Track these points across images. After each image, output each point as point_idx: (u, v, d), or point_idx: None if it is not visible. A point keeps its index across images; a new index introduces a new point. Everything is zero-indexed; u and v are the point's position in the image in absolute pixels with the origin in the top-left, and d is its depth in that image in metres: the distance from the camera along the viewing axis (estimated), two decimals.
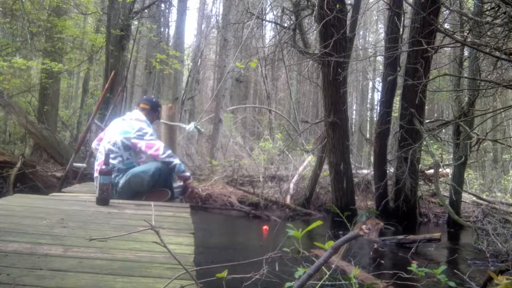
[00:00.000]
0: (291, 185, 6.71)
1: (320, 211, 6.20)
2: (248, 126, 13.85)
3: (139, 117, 3.38)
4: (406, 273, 1.92)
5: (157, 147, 3.18)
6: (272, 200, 6.16)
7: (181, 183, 3.56)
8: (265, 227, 4.48)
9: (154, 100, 3.68)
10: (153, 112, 3.54)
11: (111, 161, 3.13)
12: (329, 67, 4.86)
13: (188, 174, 3.42)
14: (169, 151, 3.25)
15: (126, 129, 3.25)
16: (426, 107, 7.15)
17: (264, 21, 9.04)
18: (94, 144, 3.69)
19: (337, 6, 4.73)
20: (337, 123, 5.29)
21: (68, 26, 9.35)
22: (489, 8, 3.82)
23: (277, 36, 6.85)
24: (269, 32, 16.65)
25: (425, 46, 4.00)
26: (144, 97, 4.16)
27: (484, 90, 4.48)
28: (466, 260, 3.64)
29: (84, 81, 12.97)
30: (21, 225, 1.87)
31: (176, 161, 3.24)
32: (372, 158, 7.03)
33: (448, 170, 6.41)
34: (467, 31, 3.89)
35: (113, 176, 3.08)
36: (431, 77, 5.16)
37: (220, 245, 3.85)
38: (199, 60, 14.29)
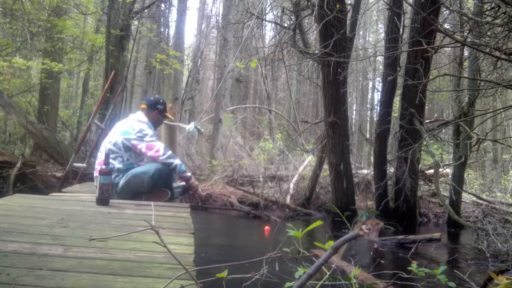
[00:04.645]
0: (291, 185, 6.71)
1: (320, 211, 6.20)
2: (248, 126, 13.85)
3: (140, 118, 3.36)
4: (406, 273, 1.92)
5: (157, 148, 3.16)
6: (272, 200, 6.16)
7: (181, 183, 3.54)
8: (266, 227, 4.48)
9: (151, 98, 3.56)
10: (151, 110, 3.41)
11: (111, 161, 3.12)
12: (329, 67, 4.86)
13: (189, 174, 3.39)
14: (169, 152, 3.23)
15: (126, 130, 3.23)
16: (426, 107, 7.15)
17: (264, 21, 9.05)
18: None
19: (337, 6, 4.74)
20: (337, 123, 5.29)
21: (68, 26, 9.34)
22: (489, 8, 3.82)
23: (277, 36, 6.85)
24: (269, 32, 16.67)
25: (425, 46, 4.00)
26: (145, 97, 4.03)
27: (484, 90, 4.49)
28: (466, 260, 3.64)
29: (84, 81, 12.96)
30: (21, 225, 1.87)
31: (177, 161, 3.22)
32: (372, 158, 7.03)
33: (448, 170, 6.41)
34: (467, 31, 3.89)
35: (113, 176, 3.08)
36: (431, 77, 5.16)
37: (220, 245, 3.85)
38: (199, 60, 14.30)
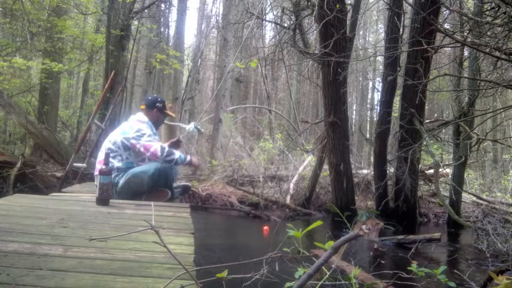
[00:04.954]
0: (291, 185, 6.71)
1: (320, 211, 6.20)
2: (248, 126, 13.84)
3: (140, 118, 3.40)
4: (406, 273, 1.91)
5: (154, 148, 3.18)
6: (272, 200, 6.16)
7: (181, 183, 3.56)
8: (265, 227, 4.49)
9: (149, 98, 3.59)
10: (150, 110, 3.44)
11: (110, 159, 3.16)
12: (329, 67, 4.86)
13: (189, 158, 3.41)
14: (166, 149, 3.24)
15: (126, 129, 3.28)
16: (426, 107, 7.14)
17: (264, 21, 9.04)
18: None
19: (337, 6, 4.73)
20: (337, 123, 5.28)
21: (68, 26, 9.33)
22: (489, 8, 3.82)
23: (277, 36, 6.85)
24: (269, 32, 16.67)
25: (425, 46, 4.00)
26: (144, 97, 4.07)
27: (484, 90, 4.48)
28: (466, 260, 3.64)
29: (84, 81, 12.96)
30: (21, 225, 1.87)
31: (176, 156, 3.25)
32: (372, 158, 7.03)
33: (448, 170, 6.41)
34: (467, 31, 3.89)
35: (113, 176, 3.09)
36: (431, 77, 5.16)
37: (220, 245, 3.85)
38: (199, 60, 14.28)
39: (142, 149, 3.19)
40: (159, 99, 3.54)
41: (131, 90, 14.10)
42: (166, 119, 3.76)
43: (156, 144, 3.22)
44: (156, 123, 3.49)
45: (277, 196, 6.35)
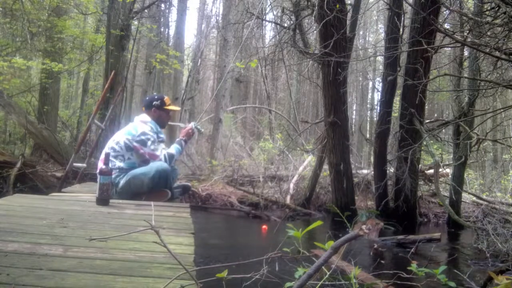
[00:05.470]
0: (291, 185, 6.70)
1: (320, 211, 6.19)
2: (248, 126, 13.84)
3: (143, 118, 3.41)
4: (406, 273, 1.91)
5: (159, 159, 3.25)
6: (272, 200, 6.16)
7: (181, 183, 3.58)
8: (264, 226, 4.48)
9: (147, 98, 3.59)
10: (149, 110, 3.44)
11: (113, 159, 3.18)
12: (329, 67, 4.86)
13: (182, 143, 3.48)
14: (168, 156, 3.31)
15: (130, 130, 3.30)
16: (426, 107, 7.14)
17: (264, 21, 9.04)
18: None
19: (337, 6, 4.73)
20: (337, 123, 5.28)
21: (68, 26, 9.33)
22: (489, 8, 3.82)
23: (277, 36, 6.85)
24: (269, 32, 16.66)
25: (425, 46, 4.00)
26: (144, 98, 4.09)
27: (484, 90, 4.48)
28: (466, 260, 3.64)
29: (84, 81, 12.95)
30: (21, 225, 1.87)
31: (176, 154, 3.35)
32: (372, 158, 7.03)
33: (448, 170, 6.41)
34: (467, 31, 3.89)
35: (114, 175, 3.10)
36: (431, 77, 5.16)
37: (220, 245, 3.85)
38: (199, 60, 14.28)
39: (147, 156, 3.26)
40: (155, 97, 3.53)
41: (131, 90, 14.10)
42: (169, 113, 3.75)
43: (160, 154, 3.27)
44: (158, 121, 3.47)
45: (277, 196, 6.35)
